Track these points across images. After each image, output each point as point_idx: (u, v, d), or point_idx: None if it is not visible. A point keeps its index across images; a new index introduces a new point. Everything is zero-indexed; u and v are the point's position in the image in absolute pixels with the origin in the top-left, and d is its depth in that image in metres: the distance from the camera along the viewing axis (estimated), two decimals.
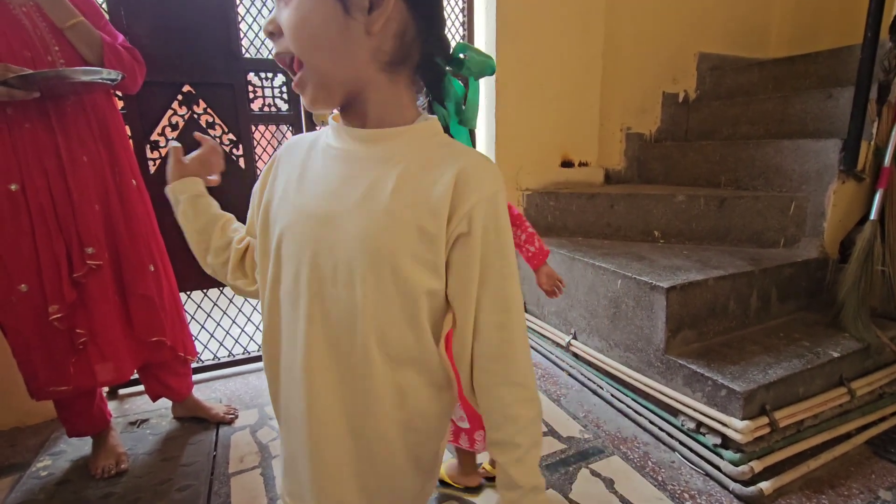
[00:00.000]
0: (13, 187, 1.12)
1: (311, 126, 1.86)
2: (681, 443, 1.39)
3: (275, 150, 1.87)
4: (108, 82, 1.17)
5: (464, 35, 2.12)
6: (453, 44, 0.54)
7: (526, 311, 2.20)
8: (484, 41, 2.13)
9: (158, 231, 1.40)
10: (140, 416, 1.60)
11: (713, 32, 2.64)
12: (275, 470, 1.35)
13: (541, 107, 2.21)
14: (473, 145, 0.63)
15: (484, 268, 0.50)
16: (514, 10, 2.05)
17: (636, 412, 1.54)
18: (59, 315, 1.17)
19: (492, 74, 0.56)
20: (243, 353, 1.96)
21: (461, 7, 2.11)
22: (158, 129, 1.64)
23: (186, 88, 1.65)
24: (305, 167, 0.55)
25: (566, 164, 2.36)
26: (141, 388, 1.67)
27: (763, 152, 1.98)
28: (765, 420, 1.27)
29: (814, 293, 1.75)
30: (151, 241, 1.36)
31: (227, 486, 1.29)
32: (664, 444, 1.42)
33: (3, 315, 1.17)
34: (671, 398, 1.43)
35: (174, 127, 1.66)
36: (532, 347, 2.06)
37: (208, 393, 1.73)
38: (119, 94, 1.45)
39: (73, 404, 1.31)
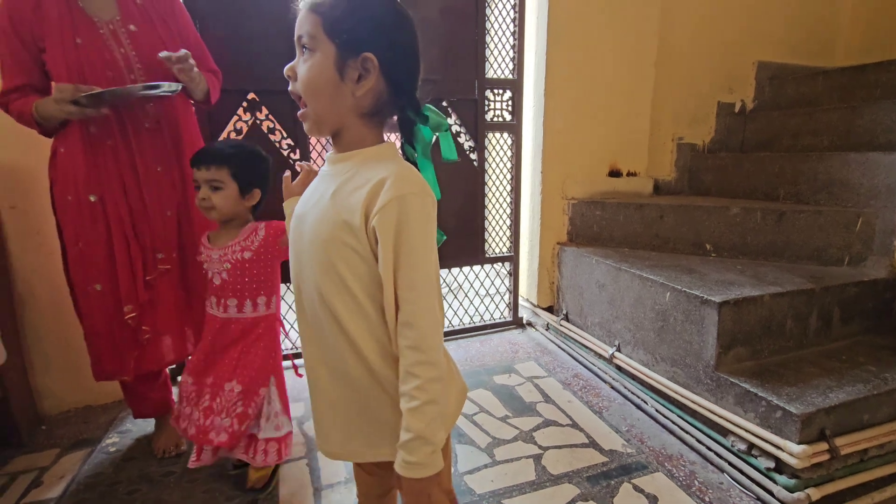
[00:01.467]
0: (92, 198, 1.21)
1: None
2: (730, 464, 1.34)
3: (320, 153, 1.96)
4: (169, 94, 1.21)
5: (514, 44, 2.14)
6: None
7: (568, 319, 2.18)
8: (534, 49, 2.15)
9: None
10: None
11: (773, 40, 2.54)
12: (320, 461, 1.40)
13: (590, 115, 2.20)
14: (437, 179, 0.76)
15: (396, 254, 0.63)
16: (565, 17, 2.06)
17: (682, 429, 1.50)
18: (133, 314, 1.27)
19: (444, 130, 0.74)
20: (291, 349, 2.04)
21: (512, 17, 2.13)
22: (224, 134, 1.76)
23: (251, 96, 1.76)
24: (310, 186, 0.76)
25: (614, 173, 2.33)
26: None
27: (827, 165, 1.88)
28: (824, 446, 1.21)
29: (880, 315, 1.64)
30: None
31: (275, 474, 1.35)
32: (712, 464, 1.37)
33: (80, 303, 1.28)
34: (721, 417, 1.39)
35: (238, 132, 1.77)
36: (573, 356, 2.04)
37: None
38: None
39: (136, 389, 1.41)
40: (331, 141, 0.72)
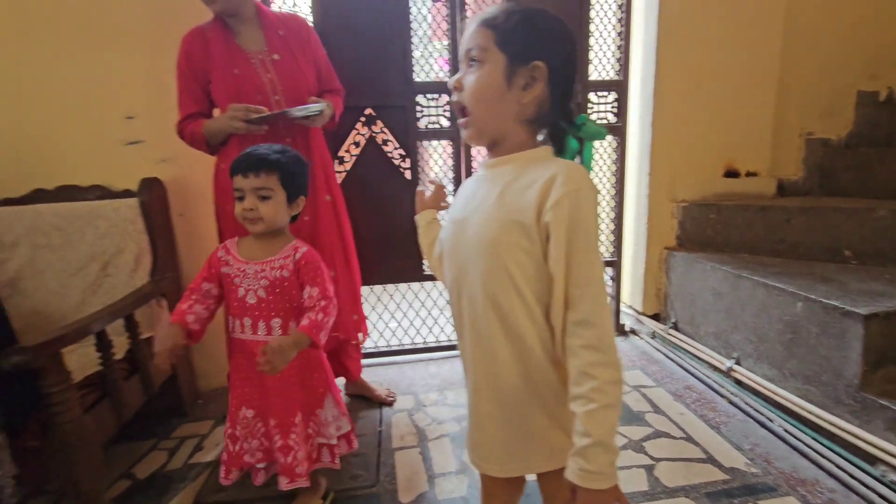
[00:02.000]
0: None
1: None
2: (881, 496, 1.20)
3: (436, 162, 2.06)
4: (315, 114, 1.37)
5: (620, 44, 2.09)
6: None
7: (677, 328, 2.07)
8: (642, 46, 2.08)
9: (348, 237, 1.63)
10: None
11: None
12: (431, 451, 1.49)
13: (704, 113, 2.07)
14: None
15: (569, 250, 0.62)
16: (678, 9, 1.97)
17: (818, 452, 1.36)
18: None
19: (602, 139, 0.74)
20: (398, 345, 2.18)
21: (618, 17, 2.09)
22: (345, 147, 1.93)
23: (368, 111, 1.92)
24: (462, 191, 0.79)
25: (731, 173, 2.17)
26: None
27: None
28: None
29: None
30: (336, 250, 1.58)
31: (392, 458, 1.47)
32: (857, 493, 1.24)
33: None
34: (868, 443, 1.25)
35: (357, 145, 1.94)
36: (683, 367, 1.94)
37: (370, 377, 1.97)
38: None
39: None
40: (488, 149, 0.75)
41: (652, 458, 1.41)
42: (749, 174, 2.19)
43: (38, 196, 1.65)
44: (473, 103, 0.69)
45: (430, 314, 2.21)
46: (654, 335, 2.20)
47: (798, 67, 2.12)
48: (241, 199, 1.06)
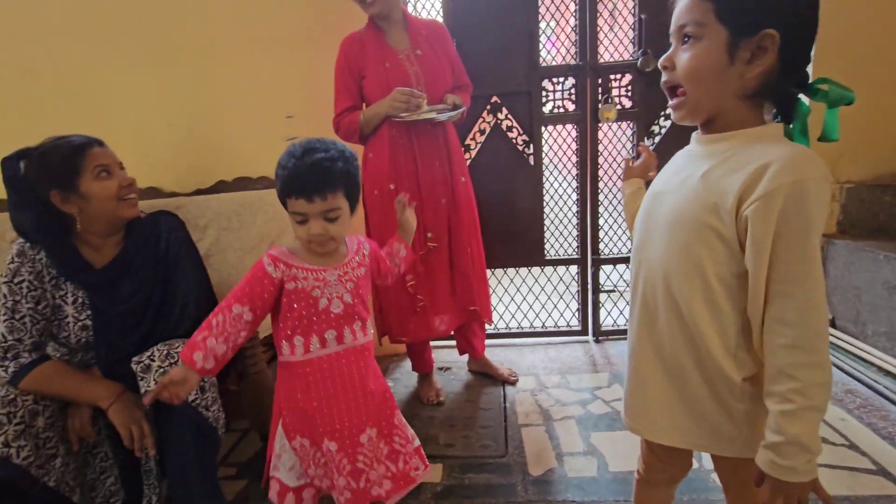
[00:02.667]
0: (391, 186, 1.55)
1: (595, 122, 1.97)
2: None
3: (560, 147, 2.05)
4: (455, 117, 1.54)
5: None
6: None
7: (835, 326, 1.84)
8: None
9: (477, 218, 1.72)
10: (445, 364, 2.02)
11: None
12: (557, 431, 1.52)
13: (877, 80, 1.79)
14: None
15: (775, 244, 0.58)
16: None
17: None
18: (412, 283, 1.59)
19: (849, 104, 0.63)
20: (517, 328, 2.24)
21: None
22: (471, 135, 2.01)
23: (494, 99, 1.97)
24: (670, 164, 0.77)
25: None
26: (445, 342, 2.09)
27: None
28: None
29: None
30: (472, 226, 1.69)
31: (518, 433, 1.53)
32: None
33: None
34: None
35: (482, 132, 2.01)
36: (842, 369, 1.72)
37: (491, 356, 2.04)
38: None
39: (414, 350, 1.76)
40: (701, 125, 0.70)
41: None
42: None
43: (220, 187, 1.97)
44: (688, 82, 0.65)
45: (549, 299, 2.22)
46: None
47: None
48: (302, 222, 0.90)
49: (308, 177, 0.87)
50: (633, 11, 1.91)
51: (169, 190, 1.99)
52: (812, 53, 0.65)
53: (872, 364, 1.65)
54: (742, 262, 0.62)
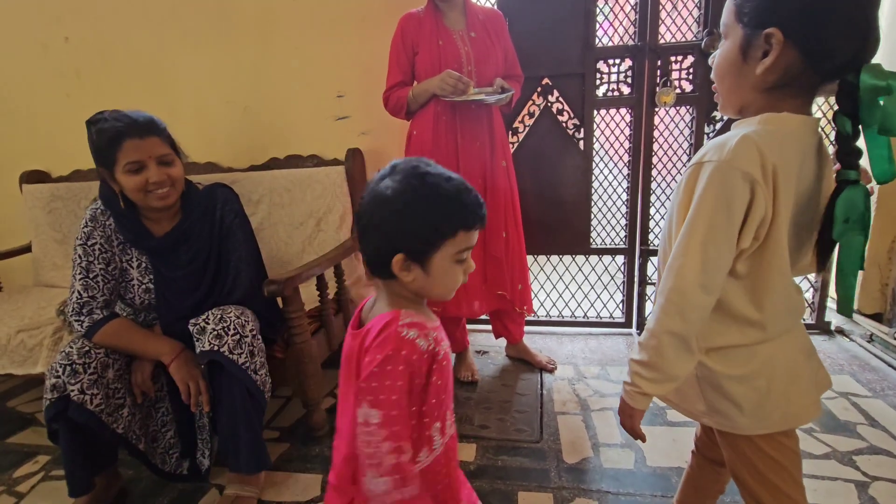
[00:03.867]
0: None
1: (652, 107, 1.88)
2: None
3: (612, 132, 1.97)
4: (504, 101, 1.55)
5: None
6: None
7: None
8: None
9: (517, 203, 1.70)
10: (483, 349, 2.03)
11: None
12: (595, 421, 1.50)
13: None
14: (890, 152, 0.60)
15: (679, 211, 0.66)
16: None
17: None
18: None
19: (890, 93, 0.56)
20: (558, 317, 2.20)
21: None
22: (519, 118, 1.98)
23: (545, 81, 1.92)
24: None
25: None
26: (484, 326, 2.10)
27: None
28: None
29: None
30: (509, 212, 1.67)
31: (554, 421, 1.52)
32: None
33: None
34: None
35: (531, 115, 1.97)
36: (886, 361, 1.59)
37: (529, 343, 2.03)
38: None
39: (445, 328, 1.77)
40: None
41: (865, 474, 1.21)
42: None
43: (273, 164, 2.04)
44: (716, 80, 0.72)
45: (592, 288, 2.17)
46: (871, 338, 1.83)
47: None
48: (462, 261, 0.67)
49: (476, 206, 0.66)
50: None
51: (226, 165, 2.08)
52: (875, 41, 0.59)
53: None
54: None
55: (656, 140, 1.95)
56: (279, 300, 1.36)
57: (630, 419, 0.71)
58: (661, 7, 1.82)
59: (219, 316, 1.13)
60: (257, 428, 1.18)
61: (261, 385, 1.16)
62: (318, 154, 2.02)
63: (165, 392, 1.28)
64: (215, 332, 1.11)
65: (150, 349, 1.18)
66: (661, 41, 1.86)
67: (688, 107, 1.90)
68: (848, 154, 0.61)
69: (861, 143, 0.61)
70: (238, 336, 1.13)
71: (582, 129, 1.94)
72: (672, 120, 1.97)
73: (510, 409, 1.58)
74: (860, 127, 0.61)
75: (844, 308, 0.71)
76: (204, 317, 1.15)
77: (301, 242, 1.92)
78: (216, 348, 1.10)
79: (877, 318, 1.85)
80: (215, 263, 1.27)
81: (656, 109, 1.90)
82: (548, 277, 2.20)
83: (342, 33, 1.92)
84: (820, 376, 0.72)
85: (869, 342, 1.84)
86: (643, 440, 0.73)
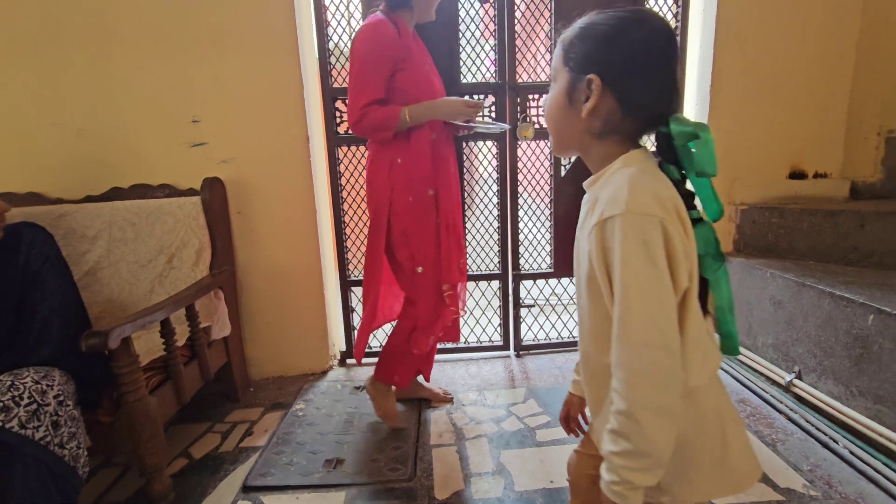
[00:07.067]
0: (430, 192, 1.47)
1: (515, 140, 2.00)
2: None
3: (482, 166, 2.05)
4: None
5: (676, 25, 2.00)
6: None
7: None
8: (699, 41, 1.99)
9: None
10: (362, 384, 1.95)
11: None
12: (469, 450, 1.50)
13: (767, 111, 1.95)
14: (713, 192, 0.67)
15: (600, 273, 0.62)
16: (739, 3, 1.87)
17: (889, 479, 1.25)
18: (450, 293, 1.52)
19: (689, 140, 0.62)
20: (440, 344, 2.20)
21: (673, 11, 2.00)
22: None
23: None
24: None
25: (796, 174, 2.03)
26: (367, 360, 2.02)
27: None
28: None
29: None
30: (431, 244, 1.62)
31: (429, 454, 1.49)
32: None
33: (408, 289, 1.54)
34: None
35: None
36: (736, 379, 1.83)
37: None
38: None
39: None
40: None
41: None
42: (818, 175, 2.04)
43: (114, 194, 1.80)
44: (546, 120, 0.73)
45: (471, 314, 2.22)
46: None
47: (878, 57, 1.95)
48: None
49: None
50: (549, 34, 1.97)
51: (54, 196, 1.80)
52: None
53: (762, 374, 1.77)
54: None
55: (521, 171, 2.07)
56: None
57: None
58: (517, 49, 1.96)
59: (8, 383, 0.94)
60: None
61: (70, 461, 0.98)
62: (170, 184, 1.83)
63: None
64: (1, 405, 0.91)
65: None
66: (520, 80, 2.01)
67: (546, 141, 2.05)
68: (685, 197, 0.63)
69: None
70: (35, 406, 0.94)
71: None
72: (534, 152, 2.11)
73: (386, 448, 1.52)
74: (683, 172, 0.65)
75: (728, 347, 0.70)
76: None
77: (150, 282, 1.71)
78: (2, 424, 0.90)
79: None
80: (13, 317, 1.06)
81: (518, 143, 2.03)
82: None
83: (197, 52, 1.78)
84: None
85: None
86: None
